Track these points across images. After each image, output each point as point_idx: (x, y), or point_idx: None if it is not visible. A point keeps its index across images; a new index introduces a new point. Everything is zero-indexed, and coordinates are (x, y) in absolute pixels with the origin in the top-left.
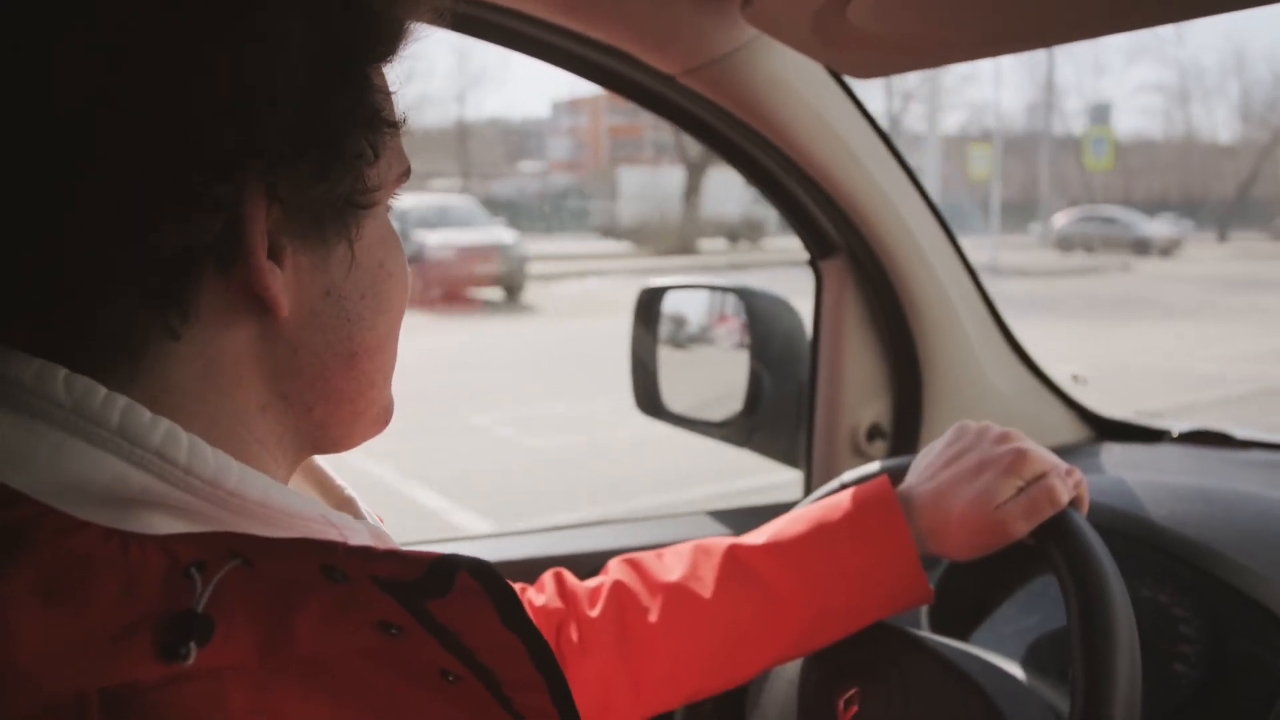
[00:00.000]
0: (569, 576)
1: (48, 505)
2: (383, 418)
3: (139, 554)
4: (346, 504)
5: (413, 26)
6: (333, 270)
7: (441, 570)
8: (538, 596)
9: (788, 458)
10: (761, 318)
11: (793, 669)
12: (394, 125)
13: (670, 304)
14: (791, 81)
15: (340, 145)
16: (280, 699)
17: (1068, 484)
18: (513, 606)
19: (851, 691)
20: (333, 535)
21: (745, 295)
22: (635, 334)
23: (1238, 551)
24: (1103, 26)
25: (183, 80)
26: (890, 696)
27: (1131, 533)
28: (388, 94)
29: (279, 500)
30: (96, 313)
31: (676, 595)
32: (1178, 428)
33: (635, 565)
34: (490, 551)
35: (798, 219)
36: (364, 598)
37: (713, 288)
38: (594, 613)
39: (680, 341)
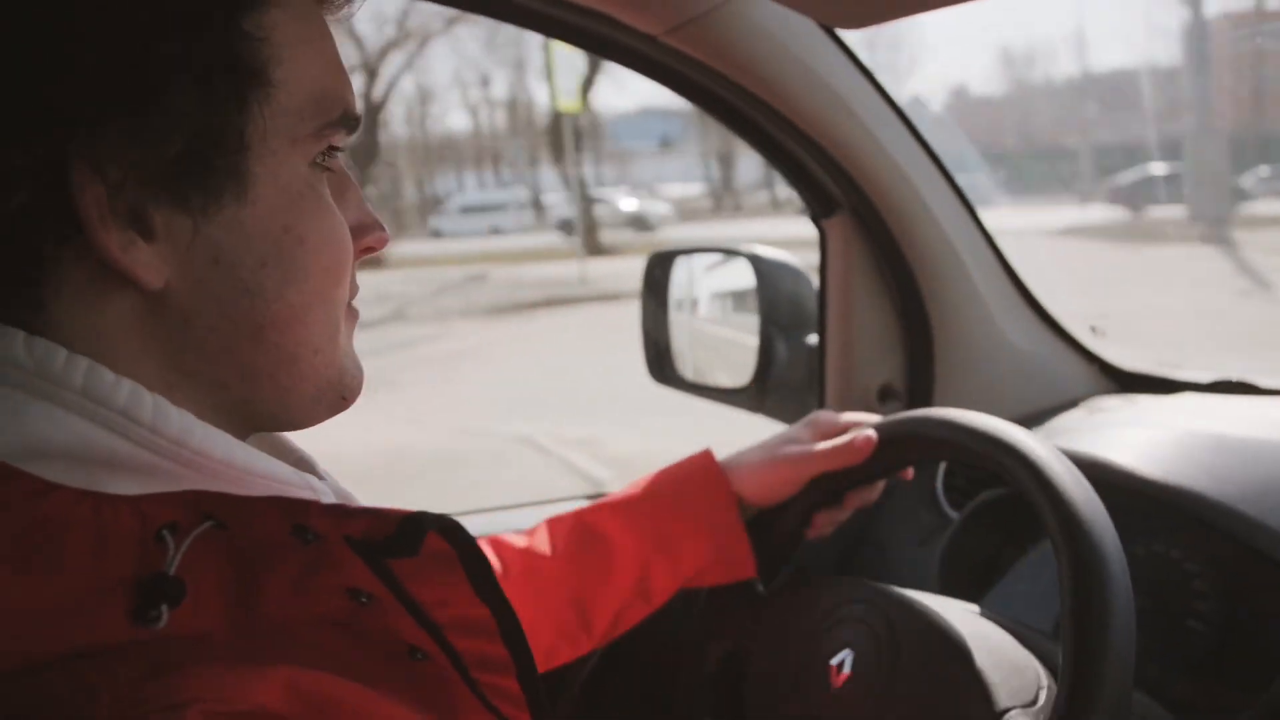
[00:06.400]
0: None
1: (16, 468)
2: (328, 394)
3: (111, 516)
4: (304, 465)
5: None
6: (216, 237)
7: (409, 528)
8: None
9: None
10: (769, 281)
11: (782, 637)
12: (257, 74)
13: (679, 270)
14: (779, 36)
15: (157, 102)
16: (247, 667)
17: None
18: (483, 573)
19: (843, 654)
20: (304, 494)
21: (752, 259)
22: (644, 302)
23: (1250, 505)
24: None
25: None
26: (880, 658)
27: (1138, 489)
28: (265, 40)
29: (243, 459)
30: None
31: (524, 558)
32: (1201, 378)
33: (492, 540)
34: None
35: (796, 177)
36: (336, 560)
37: (720, 250)
38: None
39: (691, 308)
